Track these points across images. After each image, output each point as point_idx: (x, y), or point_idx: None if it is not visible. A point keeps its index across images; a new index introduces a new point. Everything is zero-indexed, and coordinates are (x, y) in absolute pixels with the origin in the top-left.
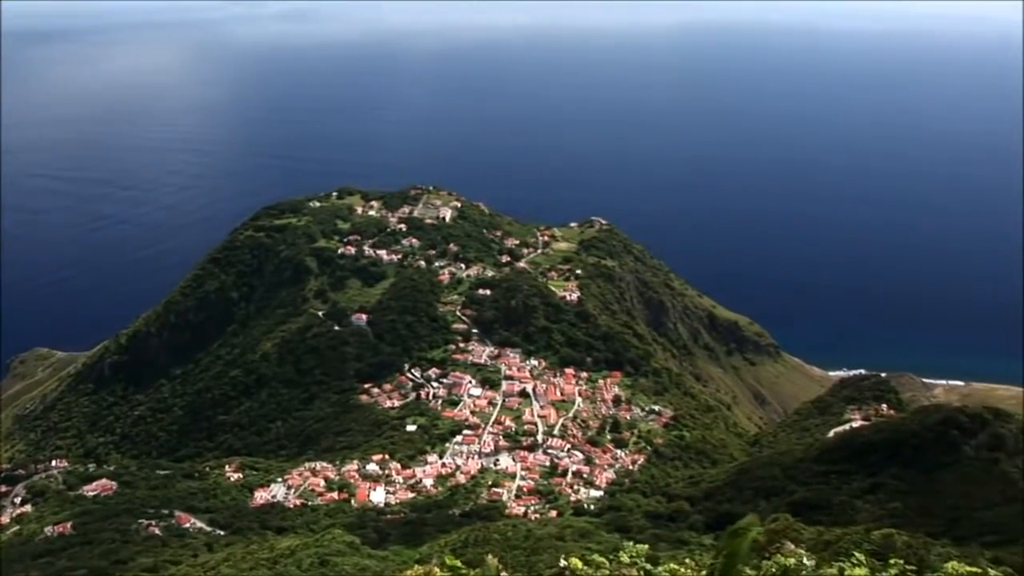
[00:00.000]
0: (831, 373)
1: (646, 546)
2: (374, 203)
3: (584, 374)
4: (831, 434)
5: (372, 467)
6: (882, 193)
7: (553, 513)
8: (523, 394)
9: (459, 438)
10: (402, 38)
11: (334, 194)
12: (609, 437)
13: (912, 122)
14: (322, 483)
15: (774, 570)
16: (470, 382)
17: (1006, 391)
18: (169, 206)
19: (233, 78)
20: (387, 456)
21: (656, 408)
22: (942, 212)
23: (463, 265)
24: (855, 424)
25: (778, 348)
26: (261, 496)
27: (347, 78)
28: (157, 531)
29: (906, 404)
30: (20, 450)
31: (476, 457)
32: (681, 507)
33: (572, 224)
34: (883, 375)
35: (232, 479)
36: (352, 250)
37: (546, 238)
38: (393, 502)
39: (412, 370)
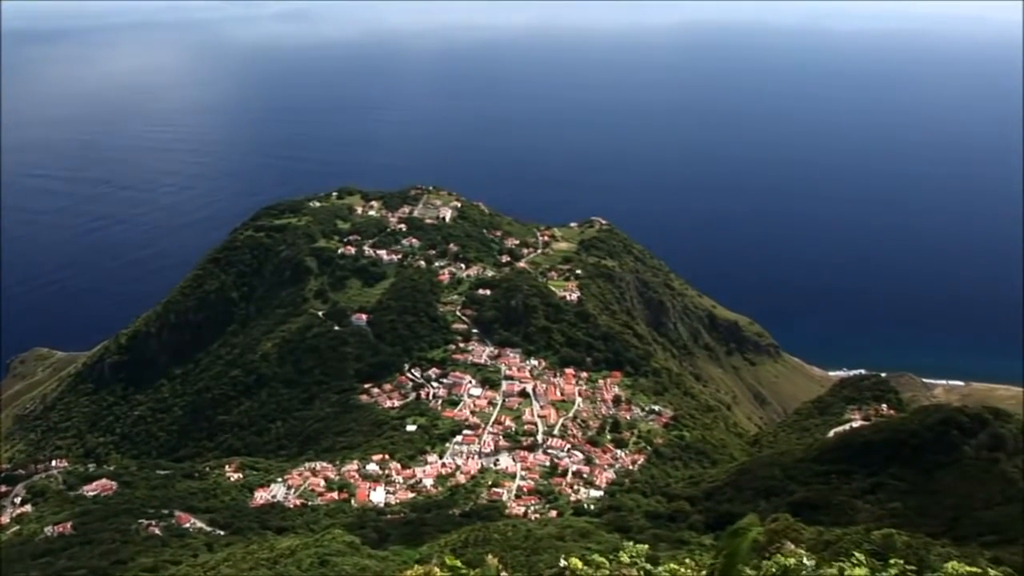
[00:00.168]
0: (831, 373)
1: (646, 546)
2: (374, 203)
3: (584, 374)
4: (831, 434)
5: (372, 467)
6: (882, 193)
7: (553, 513)
8: (523, 394)
9: (459, 438)
10: (402, 38)
11: (334, 194)
12: (609, 437)
13: (912, 122)
14: (322, 483)
15: (774, 570)
16: (470, 382)
17: (1006, 391)
18: (169, 206)
19: (233, 78)
20: (387, 456)
21: (656, 408)
22: (942, 212)
23: (463, 265)
24: (855, 424)
25: (778, 348)
26: (261, 496)
27: (347, 78)
28: (157, 531)
29: (906, 404)
30: (20, 450)
31: (476, 457)
32: (681, 507)
33: (572, 224)
34: (883, 375)
35: (232, 479)
36: (352, 250)
37: (546, 238)
38: (393, 502)
39: (412, 370)
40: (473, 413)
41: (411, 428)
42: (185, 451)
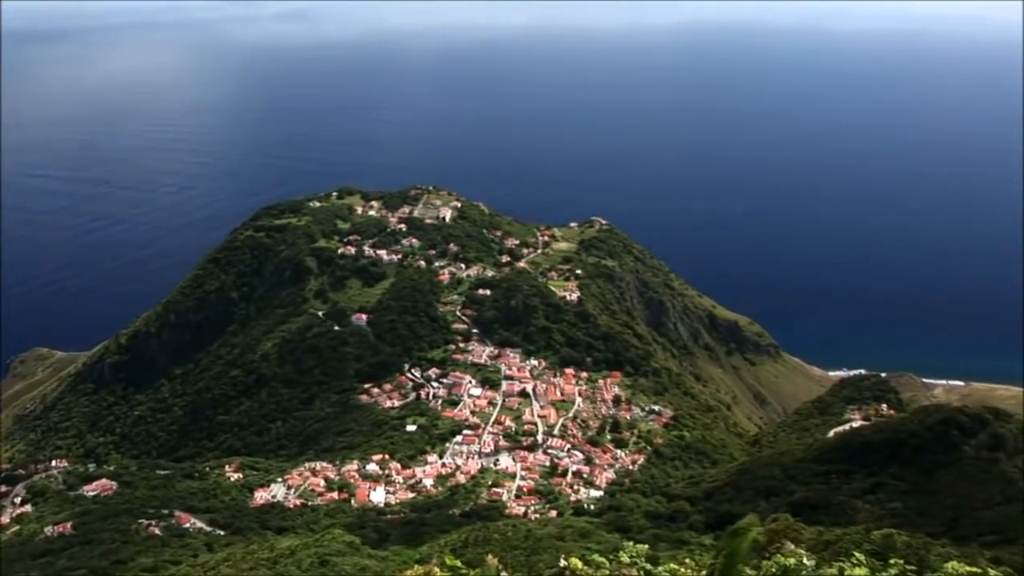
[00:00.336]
0: (831, 373)
1: (646, 546)
2: (374, 203)
3: (584, 374)
4: (831, 434)
5: (372, 467)
6: (882, 193)
7: (553, 513)
8: (523, 394)
9: (459, 438)
10: (402, 38)
11: (334, 194)
12: (609, 437)
13: (912, 122)
14: (322, 483)
15: (774, 570)
16: (470, 382)
17: (1006, 391)
18: (169, 206)
19: (233, 78)
20: (387, 456)
21: (656, 408)
22: (942, 212)
23: (463, 265)
24: (855, 424)
25: (778, 348)
26: (261, 496)
27: (347, 78)
28: (157, 531)
29: (906, 404)
30: (20, 450)
31: (476, 457)
32: (681, 507)
33: (572, 224)
34: (883, 375)
35: (232, 479)
36: (352, 250)
37: (546, 238)
38: (393, 502)
39: (412, 370)
40: (473, 413)
41: (411, 428)
42: (185, 451)
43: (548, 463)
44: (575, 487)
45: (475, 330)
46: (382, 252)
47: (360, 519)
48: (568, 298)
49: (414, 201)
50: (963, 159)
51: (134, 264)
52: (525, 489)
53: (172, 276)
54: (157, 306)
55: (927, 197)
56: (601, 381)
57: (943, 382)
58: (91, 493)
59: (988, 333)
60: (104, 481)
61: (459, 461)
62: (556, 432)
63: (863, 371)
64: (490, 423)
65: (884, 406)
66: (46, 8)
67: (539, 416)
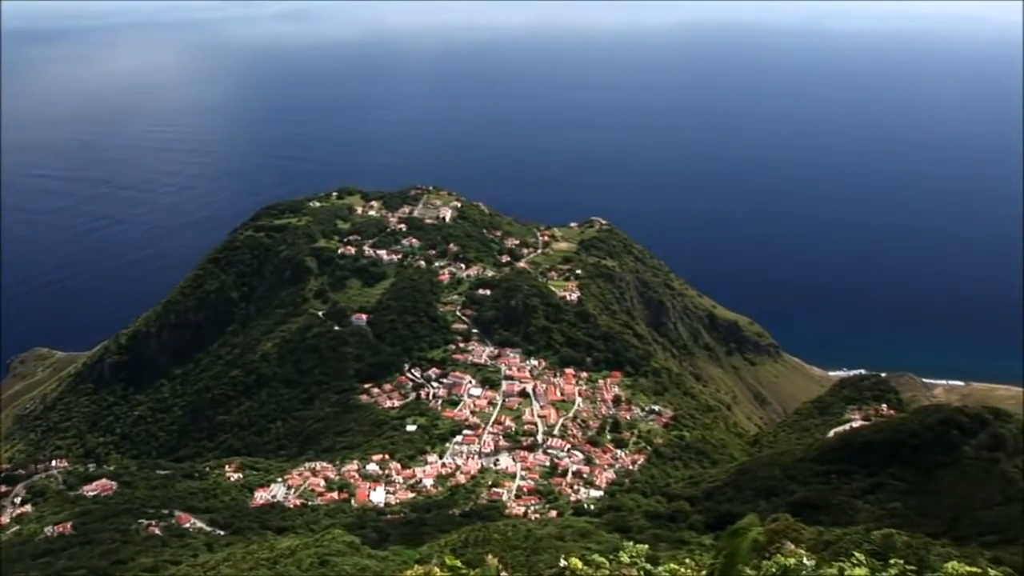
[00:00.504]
0: (831, 373)
1: (646, 546)
2: (374, 203)
3: (584, 374)
4: (831, 434)
5: (372, 467)
6: (882, 193)
7: (553, 513)
8: (523, 394)
9: (459, 438)
10: (402, 38)
11: (334, 194)
12: (609, 437)
13: (912, 122)
14: (322, 483)
15: (774, 570)
16: (470, 382)
17: (1006, 391)
18: (169, 206)
19: (233, 78)
20: (387, 456)
21: (656, 408)
22: (942, 212)
23: (463, 265)
24: (855, 424)
25: (778, 348)
26: (261, 496)
27: (347, 78)
28: (157, 531)
29: (906, 404)
30: (20, 450)
31: (476, 457)
32: (681, 507)
33: (572, 224)
34: (883, 375)
35: (232, 479)
36: (352, 250)
37: (546, 238)
38: (393, 502)
39: (412, 370)
40: (473, 413)
41: (411, 428)
42: (185, 451)
43: (548, 463)
44: (575, 487)
45: (475, 330)
46: (382, 252)
47: (360, 519)
48: (568, 298)
49: (414, 201)
50: (963, 159)
51: (134, 264)
52: (525, 489)
53: (172, 276)
54: (157, 306)
55: (927, 197)
56: (601, 381)
57: (943, 382)
58: (91, 493)
59: (988, 333)
60: (104, 481)
61: (459, 461)
62: (556, 432)
63: (863, 371)
64: (490, 423)
65: (884, 406)
66: (46, 8)
67: (539, 416)
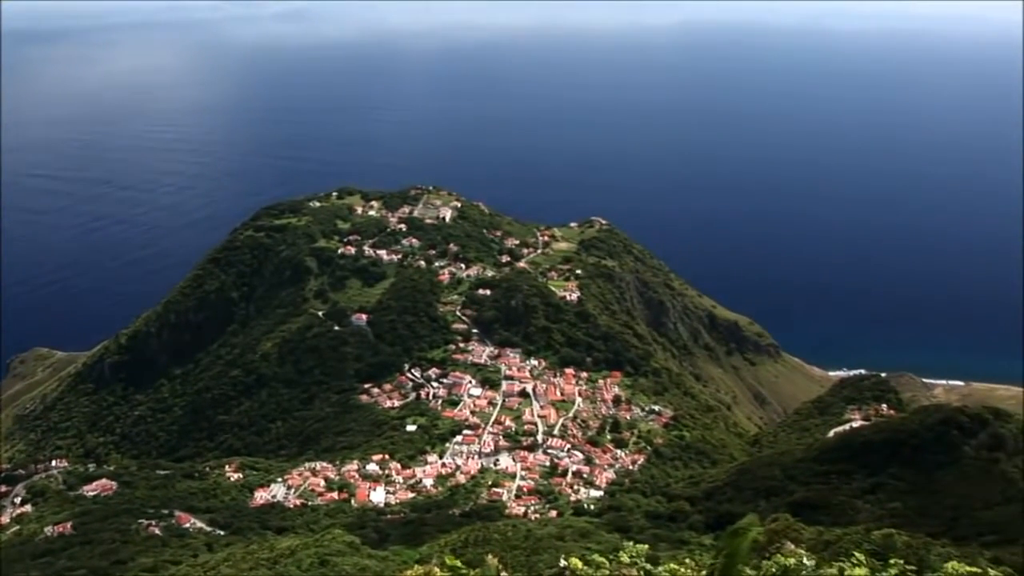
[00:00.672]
0: (831, 373)
1: (646, 546)
2: (374, 203)
3: (584, 374)
4: (831, 434)
5: (372, 467)
6: (882, 193)
7: (553, 513)
8: (523, 394)
9: (459, 438)
10: (402, 38)
11: (334, 194)
12: (609, 437)
13: (912, 122)
14: (322, 483)
15: (774, 570)
16: (470, 382)
17: (1006, 391)
18: (169, 206)
19: (233, 78)
20: (387, 456)
21: (656, 408)
22: (942, 212)
23: (463, 265)
24: (855, 424)
25: (778, 348)
26: (261, 496)
27: (347, 78)
28: (157, 531)
29: (906, 404)
30: (20, 450)
31: (476, 457)
32: (681, 507)
33: (572, 224)
34: (883, 375)
35: (232, 479)
36: (352, 250)
37: (546, 238)
38: (393, 502)
39: (412, 370)
40: (473, 413)
41: (411, 428)
42: (185, 451)
43: (548, 463)
44: (575, 487)
45: (475, 330)
46: (382, 252)
47: (360, 519)
48: (568, 298)
49: (414, 201)
50: (963, 159)
51: (134, 264)
52: (525, 489)
53: (172, 276)
54: (157, 306)
55: (927, 197)
56: (601, 381)
57: (943, 382)
58: (91, 493)
59: (988, 333)
60: (104, 481)
61: (459, 461)
62: (556, 432)
63: (863, 371)
64: (490, 423)
65: (884, 406)
66: (46, 8)
67: (539, 416)
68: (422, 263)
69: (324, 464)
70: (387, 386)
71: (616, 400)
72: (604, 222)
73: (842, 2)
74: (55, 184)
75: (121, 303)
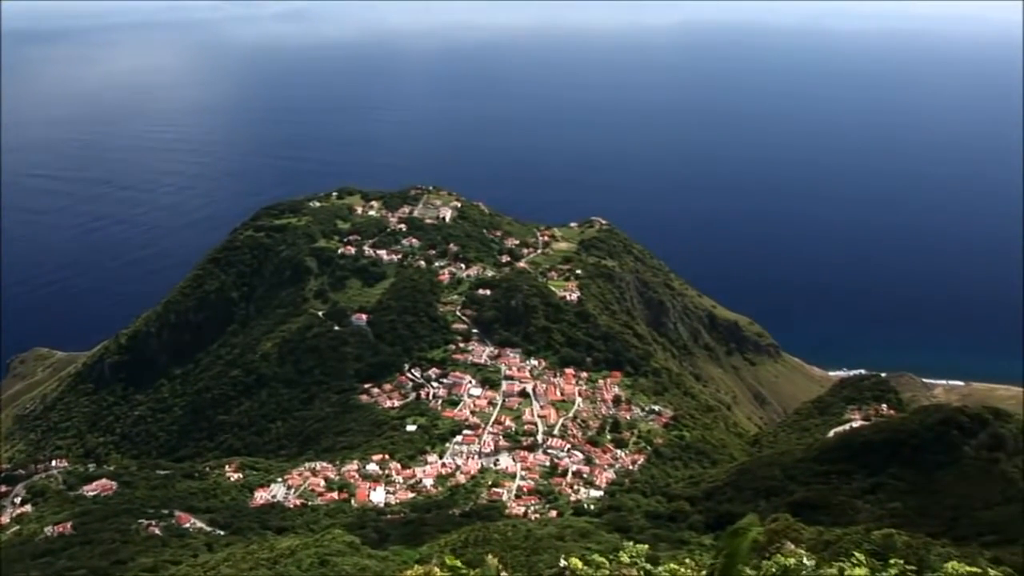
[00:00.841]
0: (831, 373)
1: (646, 546)
2: (374, 203)
3: (584, 374)
4: (831, 434)
5: (372, 467)
6: (882, 193)
7: (553, 513)
8: (523, 394)
9: (459, 438)
10: (402, 38)
11: (334, 194)
12: (609, 437)
13: (912, 122)
14: (322, 483)
15: (774, 570)
16: (470, 382)
17: (1006, 391)
18: (169, 206)
19: (233, 78)
20: (387, 456)
21: (656, 408)
22: (942, 212)
23: (463, 265)
24: (855, 424)
25: (778, 348)
26: (261, 496)
27: (347, 78)
28: (157, 531)
29: (906, 404)
30: (20, 450)
31: (476, 457)
32: (681, 507)
33: (572, 224)
34: (883, 375)
35: (232, 479)
36: (352, 250)
37: (546, 238)
38: (393, 502)
39: (412, 370)
40: (473, 413)
41: (411, 428)
42: (185, 451)
43: (548, 463)
44: (575, 487)
45: (475, 330)
46: (382, 252)
47: (360, 519)
48: (568, 298)
49: (414, 201)
50: (963, 159)
51: (134, 264)
52: (525, 489)
53: (172, 276)
54: (157, 306)
55: (927, 197)
56: (601, 381)
57: (943, 382)
58: (91, 493)
59: (988, 333)
60: (104, 481)
61: (459, 461)
62: (556, 432)
63: (863, 371)
64: (490, 423)
65: (884, 406)
66: (46, 8)
67: (539, 416)
68: (422, 263)
69: (324, 464)
70: (387, 386)
71: (616, 400)
72: (604, 222)
73: (842, 2)
74: (55, 184)
75: (121, 303)
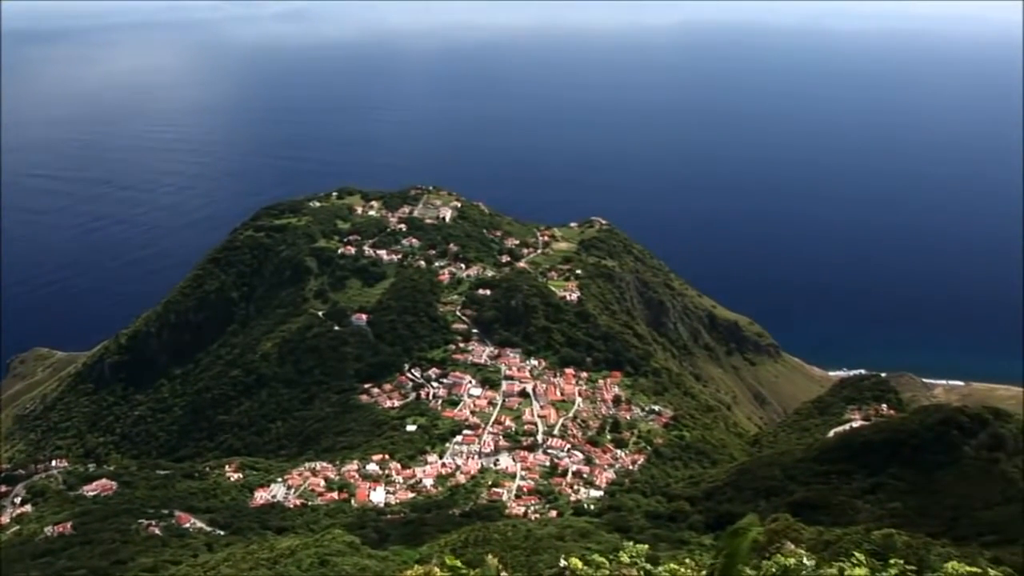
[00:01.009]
0: (831, 373)
1: (646, 546)
2: (374, 203)
3: (584, 374)
4: (831, 434)
5: (372, 467)
6: (882, 193)
7: (553, 513)
8: (523, 394)
9: (459, 438)
10: (402, 38)
11: (334, 194)
12: (609, 437)
13: (912, 122)
14: (322, 483)
15: (774, 570)
16: (470, 382)
17: (1006, 391)
18: (169, 206)
19: (233, 78)
20: (387, 456)
21: (656, 408)
22: (942, 212)
23: (463, 265)
24: (855, 424)
25: (778, 348)
26: (261, 496)
27: (347, 78)
28: (157, 531)
29: (906, 404)
30: (20, 450)
31: (476, 457)
32: (681, 507)
33: (572, 224)
34: (883, 375)
35: (232, 479)
36: (352, 250)
37: (546, 238)
38: (393, 502)
39: (412, 370)
40: (473, 413)
41: (411, 428)
42: (185, 451)
43: (548, 463)
44: (575, 487)
45: (475, 330)
46: (382, 252)
47: (360, 519)
48: (568, 298)
49: (414, 201)
50: (963, 159)
51: (134, 264)
52: (525, 489)
53: (172, 276)
54: (157, 306)
55: (927, 197)
56: (601, 381)
57: (943, 382)
58: (91, 493)
59: (988, 333)
60: (104, 481)
61: (459, 461)
62: (556, 432)
63: (863, 371)
64: (490, 423)
65: (884, 406)
66: (46, 8)
67: (539, 416)
68: (422, 263)
69: (324, 464)
70: (387, 386)
71: (616, 400)
72: (604, 222)
73: (842, 2)
74: (55, 184)
75: (121, 303)
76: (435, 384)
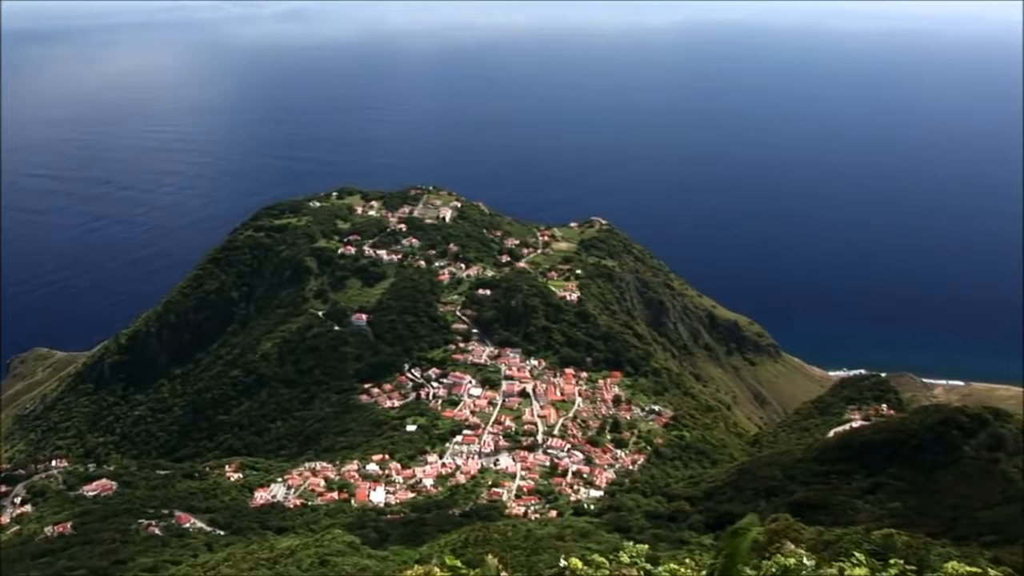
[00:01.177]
0: (831, 373)
1: (646, 546)
2: (374, 203)
3: (584, 374)
4: (831, 434)
5: (372, 467)
6: (882, 193)
7: (553, 513)
8: (523, 394)
9: (459, 438)
10: (402, 38)
11: (334, 194)
12: (609, 437)
13: (912, 122)
14: (322, 483)
15: (774, 570)
16: (470, 382)
17: (1006, 391)
18: (169, 206)
19: (233, 78)
20: (387, 456)
21: (656, 408)
22: (942, 212)
23: (463, 265)
24: (855, 424)
25: (778, 348)
26: (261, 496)
27: (347, 78)
28: (157, 531)
29: (906, 404)
30: (20, 450)
31: (476, 457)
32: (681, 507)
33: (572, 224)
34: (883, 375)
35: (232, 479)
36: (352, 250)
37: (546, 238)
38: (393, 502)
39: (412, 370)
40: (473, 413)
41: (411, 428)
42: (185, 451)
43: (548, 463)
44: (575, 487)
45: (475, 330)
46: (382, 252)
47: (360, 519)
48: (568, 298)
49: (414, 201)
50: (963, 159)
51: (134, 264)
52: (525, 489)
53: (172, 276)
54: (157, 306)
55: (927, 197)
56: (601, 381)
57: (943, 382)
58: (91, 493)
59: (988, 333)
60: (104, 481)
61: (459, 461)
62: (556, 432)
63: (863, 371)
64: (490, 423)
65: (884, 406)
66: (46, 8)
67: (539, 416)
68: (422, 263)
69: (324, 464)
70: (387, 386)
71: (616, 400)
72: (604, 222)
73: (842, 2)
74: (55, 184)
75: (121, 303)
76: (435, 384)
